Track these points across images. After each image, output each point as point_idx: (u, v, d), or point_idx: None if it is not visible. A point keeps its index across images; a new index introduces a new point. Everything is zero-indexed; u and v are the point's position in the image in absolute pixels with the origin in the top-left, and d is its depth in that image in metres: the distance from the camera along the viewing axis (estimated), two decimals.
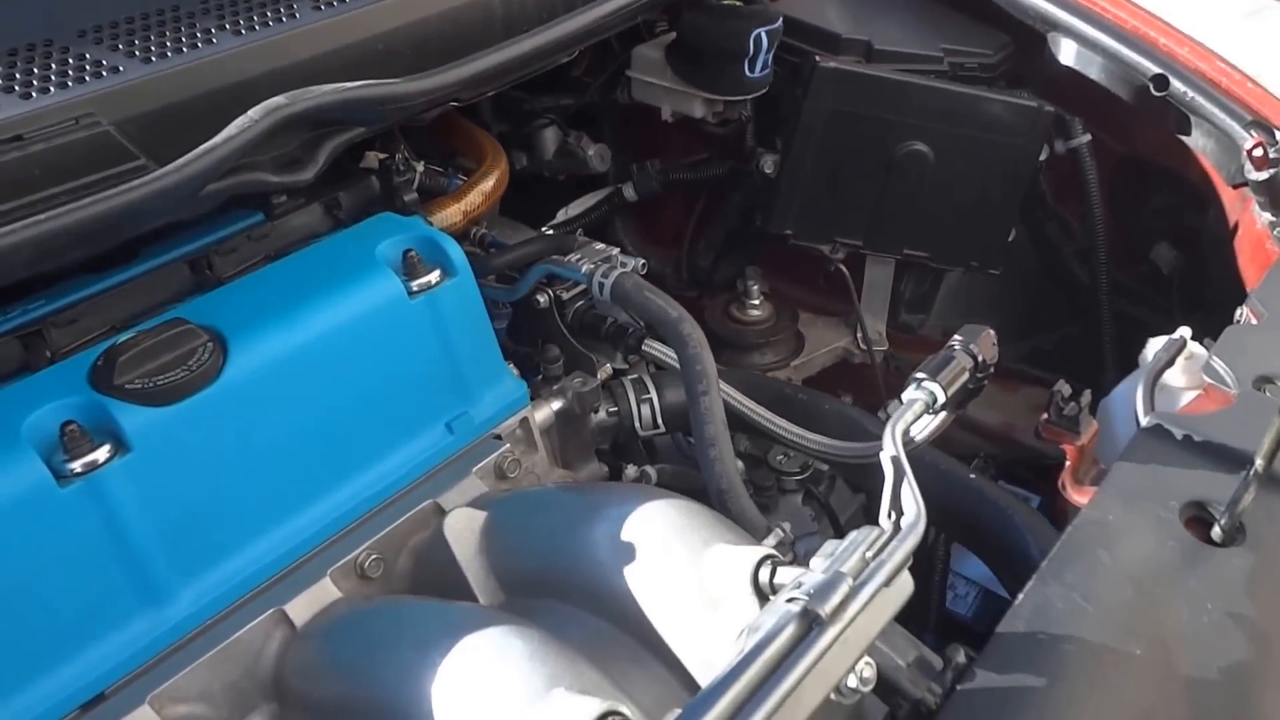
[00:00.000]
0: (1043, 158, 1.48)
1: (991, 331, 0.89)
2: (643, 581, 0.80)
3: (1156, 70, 1.30)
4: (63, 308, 0.91)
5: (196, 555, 0.83)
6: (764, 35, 1.35)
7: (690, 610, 0.79)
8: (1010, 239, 1.53)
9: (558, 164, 1.53)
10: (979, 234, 1.50)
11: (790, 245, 1.51)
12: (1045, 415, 1.02)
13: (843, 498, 1.25)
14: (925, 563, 1.37)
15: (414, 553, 0.92)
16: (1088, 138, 1.50)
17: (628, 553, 0.82)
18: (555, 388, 1.09)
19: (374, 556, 0.89)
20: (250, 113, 0.87)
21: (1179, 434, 0.90)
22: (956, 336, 0.88)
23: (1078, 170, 1.52)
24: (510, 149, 1.34)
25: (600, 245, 1.18)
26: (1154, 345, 1.09)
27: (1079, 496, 0.96)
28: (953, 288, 1.66)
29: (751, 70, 1.37)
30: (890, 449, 0.75)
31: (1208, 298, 1.44)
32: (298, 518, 0.89)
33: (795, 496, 1.23)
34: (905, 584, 0.70)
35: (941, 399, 0.83)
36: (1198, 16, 1.41)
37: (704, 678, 0.77)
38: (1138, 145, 1.52)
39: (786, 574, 0.75)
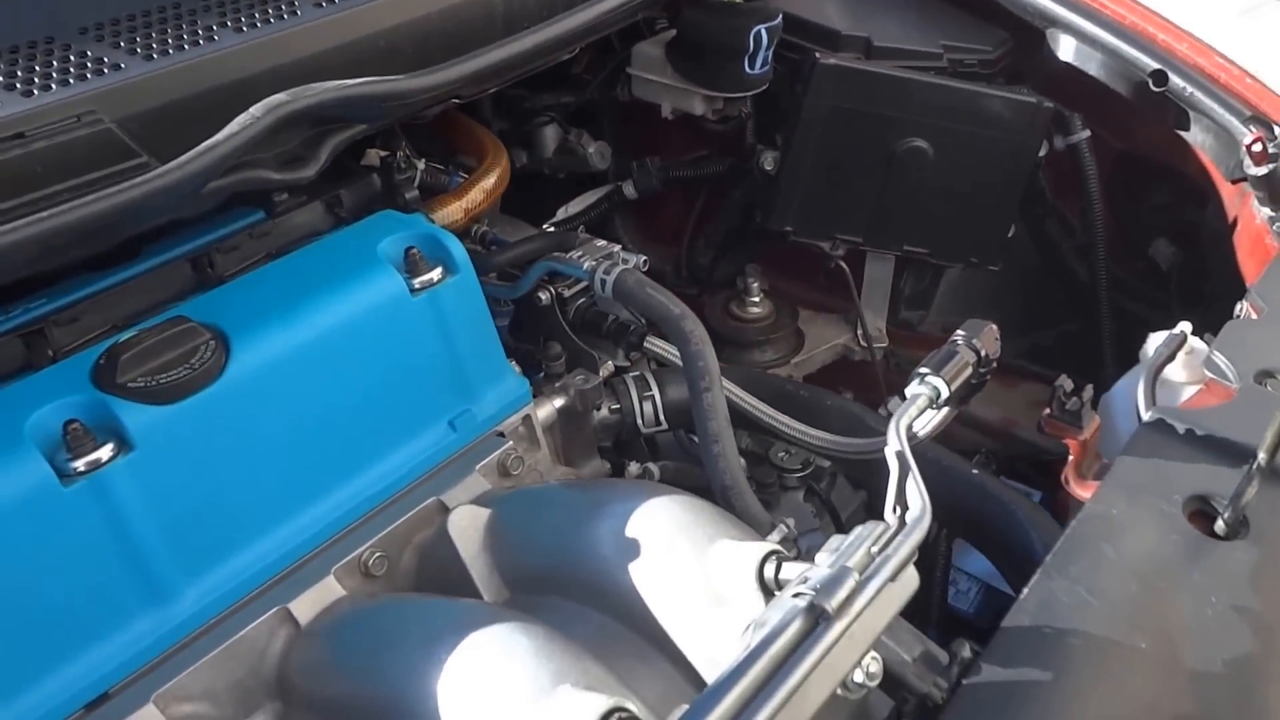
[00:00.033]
0: (1042, 154, 1.48)
1: (994, 326, 0.89)
2: (647, 578, 0.80)
3: (1155, 66, 1.30)
4: (64, 306, 0.91)
5: (200, 554, 0.83)
6: (764, 32, 1.35)
7: (695, 606, 0.79)
8: (1010, 235, 1.53)
9: (558, 162, 1.53)
10: (978, 230, 1.50)
11: (790, 242, 1.51)
12: (1048, 410, 1.02)
13: (844, 495, 1.25)
14: (927, 559, 1.37)
15: (418, 550, 0.92)
16: (1087, 134, 1.51)
17: (632, 549, 0.82)
18: (557, 385, 1.09)
19: (378, 554, 0.89)
20: (252, 110, 0.87)
21: (1181, 428, 0.90)
22: (959, 331, 0.88)
23: (1077, 166, 1.53)
24: (510, 147, 1.33)
25: (602, 242, 1.18)
26: (1154, 340, 1.09)
27: (1082, 491, 0.96)
28: (952, 284, 1.66)
29: (751, 67, 1.37)
30: (895, 444, 0.75)
31: (1206, 293, 1.44)
32: (301, 516, 0.89)
33: (797, 493, 1.23)
34: (911, 579, 0.71)
35: (945, 394, 0.83)
36: (1195, 13, 1.41)
37: (709, 673, 0.77)
38: (1137, 141, 1.53)
39: (791, 569, 0.75)
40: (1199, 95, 1.27)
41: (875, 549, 0.69)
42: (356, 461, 0.93)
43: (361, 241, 0.99)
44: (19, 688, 0.74)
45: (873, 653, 0.68)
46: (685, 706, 0.61)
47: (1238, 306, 1.11)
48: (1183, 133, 1.33)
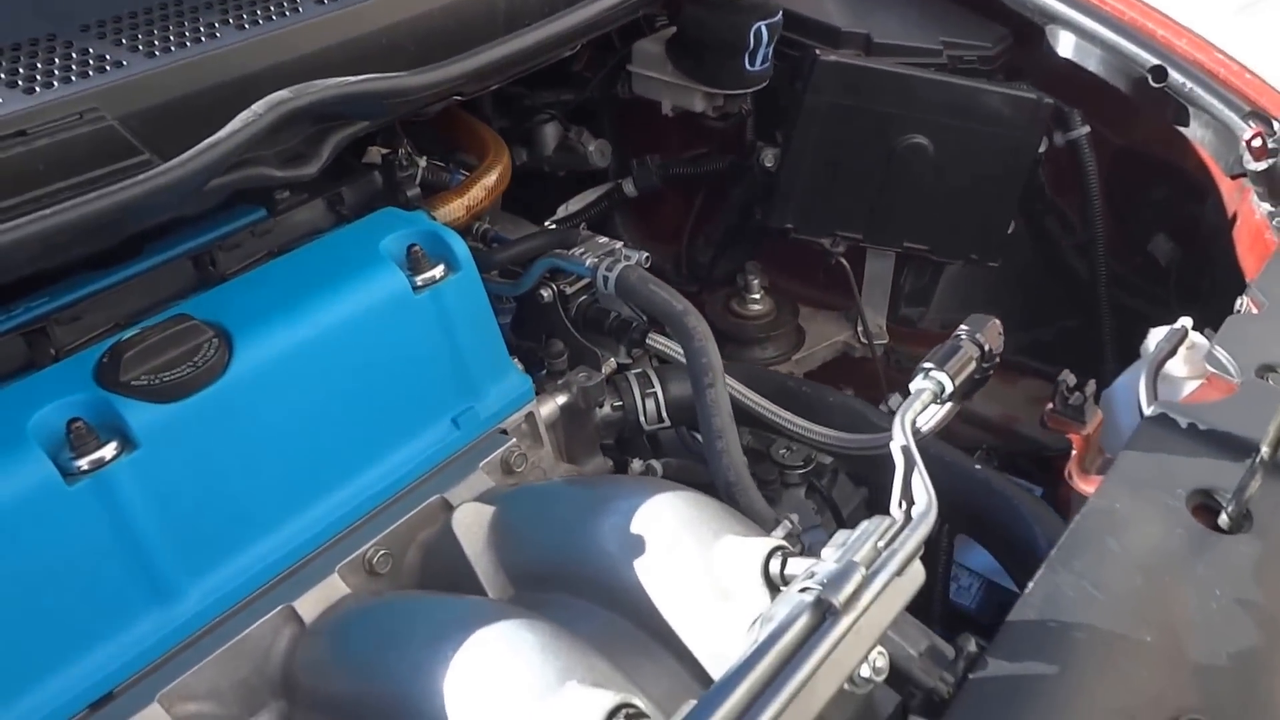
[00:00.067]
0: (1042, 150, 1.48)
1: (997, 321, 0.90)
2: (652, 574, 0.80)
3: (1155, 62, 1.31)
4: (66, 305, 0.91)
5: (204, 552, 0.83)
6: (764, 29, 1.35)
7: (701, 602, 0.79)
8: (1009, 231, 1.53)
9: (558, 159, 1.53)
10: (978, 226, 1.51)
11: (790, 239, 1.51)
12: (1050, 405, 1.02)
13: (845, 491, 1.25)
14: (929, 555, 1.36)
15: (422, 548, 0.92)
16: (1086, 130, 1.51)
17: (637, 545, 0.82)
18: (560, 382, 1.09)
19: (382, 552, 0.89)
20: (254, 107, 0.87)
21: (1184, 422, 0.90)
22: (963, 326, 0.88)
23: (1076, 162, 1.53)
24: (510, 145, 1.33)
25: (604, 239, 1.17)
26: (1155, 335, 1.10)
27: (1086, 485, 0.96)
28: (952, 281, 1.66)
29: (752, 64, 1.37)
30: (900, 438, 0.76)
31: (1204, 289, 1.44)
32: (305, 514, 0.88)
33: (798, 490, 1.23)
34: (917, 573, 0.71)
35: (949, 388, 0.83)
36: (1193, 10, 1.42)
37: (715, 669, 0.77)
38: (1136, 137, 1.53)
39: (797, 565, 0.75)
40: (1198, 91, 1.28)
41: (882, 544, 0.69)
42: (360, 459, 0.92)
43: (364, 239, 0.98)
44: (23, 687, 0.74)
45: (879, 647, 0.68)
46: (694, 701, 0.61)
47: (1238, 301, 1.11)
48: (1182, 128, 1.33)
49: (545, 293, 1.18)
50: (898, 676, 0.73)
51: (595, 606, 0.82)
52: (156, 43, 0.89)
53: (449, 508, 0.92)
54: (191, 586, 0.82)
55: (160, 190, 0.82)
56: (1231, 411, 0.91)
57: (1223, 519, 0.82)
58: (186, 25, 0.91)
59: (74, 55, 0.85)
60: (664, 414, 1.14)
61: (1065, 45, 1.41)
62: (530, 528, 0.89)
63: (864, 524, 0.71)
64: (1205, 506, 0.84)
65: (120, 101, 0.84)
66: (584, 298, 1.20)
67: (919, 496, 0.72)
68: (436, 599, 0.85)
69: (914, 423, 0.79)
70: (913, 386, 0.84)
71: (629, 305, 1.18)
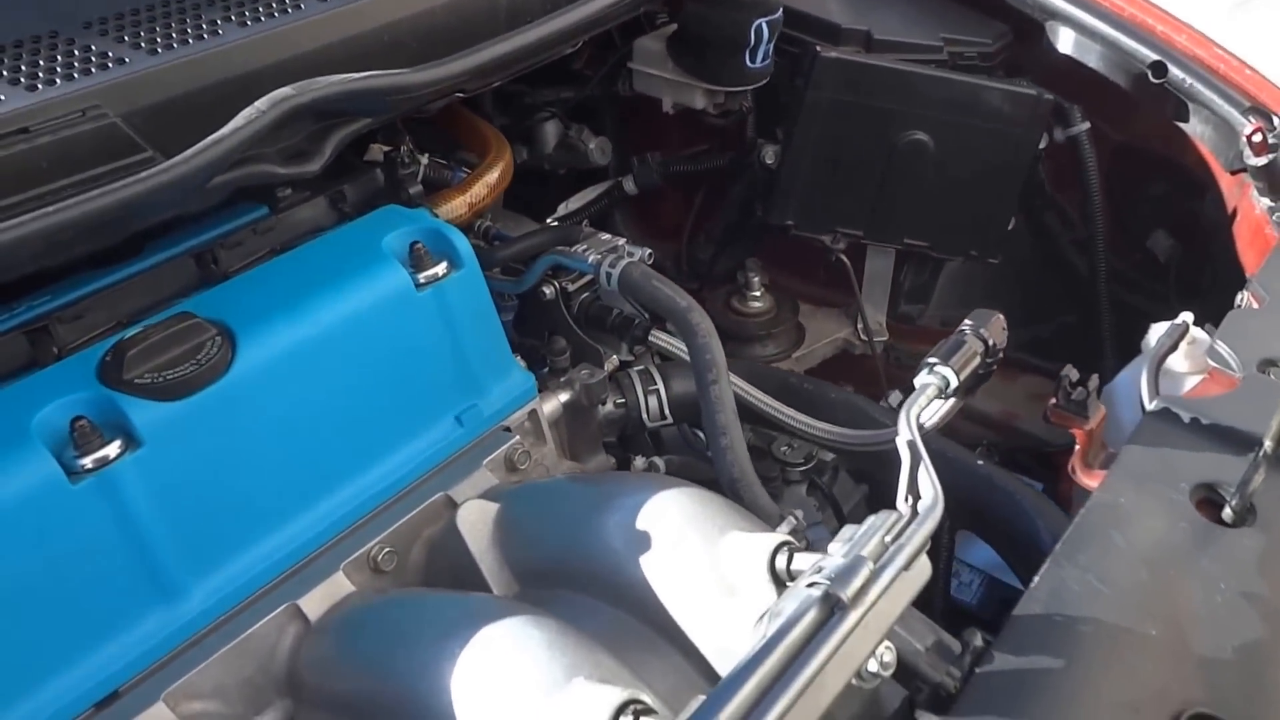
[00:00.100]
0: (1042, 146, 1.49)
1: (1000, 316, 0.90)
2: (658, 570, 0.80)
3: (1155, 57, 1.31)
4: (69, 303, 0.90)
5: (209, 550, 0.83)
6: (765, 26, 1.35)
7: (706, 598, 0.79)
8: (1009, 228, 1.53)
9: (558, 157, 1.52)
10: (979, 223, 1.51)
11: (790, 236, 1.51)
12: (1053, 400, 1.02)
13: (846, 489, 1.26)
14: (930, 551, 1.37)
15: (427, 545, 0.92)
16: (1086, 126, 1.51)
17: (642, 541, 0.82)
18: (563, 380, 1.09)
19: (387, 550, 0.89)
20: (257, 104, 0.87)
21: (1186, 417, 0.91)
22: (967, 321, 0.88)
23: (1076, 158, 1.53)
24: (511, 142, 1.33)
25: (606, 236, 1.17)
26: (1156, 330, 1.10)
27: (1089, 480, 0.96)
28: (952, 277, 1.67)
29: (753, 61, 1.37)
30: (906, 433, 0.76)
31: (1204, 284, 1.45)
32: (309, 512, 0.88)
33: (800, 487, 1.23)
34: (924, 567, 0.71)
35: (954, 383, 0.83)
36: (1191, 7, 1.42)
37: (721, 665, 0.77)
38: (1136, 133, 1.53)
39: (803, 560, 0.75)
40: (1198, 86, 1.28)
41: (889, 538, 0.69)
42: (363, 457, 0.92)
43: (366, 236, 0.98)
44: (28, 687, 0.74)
45: (886, 642, 0.68)
46: (703, 697, 0.61)
47: (1239, 296, 1.11)
48: (1182, 124, 1.33)
49: (548, 290, 1.18)
50: (904, 671, 0.73)
51: (601, 603, 0.82)
52: (159, 40, 0.89)
53: (453, 505, 0.92)
54: (196, 585, 0.82)
55: (163, 188, 0.81)
56: (1234, 406, 0.92)
57: (1226, 513, 0.82)
58: (189, 22, 0.91)
59: (76, 53, 0.85)
60: (666, 411, 1.14)
61: (1065, 41, 1.41)
62: (535, 525, 0.89)
63: (871, 519, 0.71)
64: (1209, 500, 0.84)
65: (123, 99, 0.84)
66: (586, 295, 1.20)
67: (925, 491, 0.72)
68: (442, 596, 0.85)
69: (919, 417, 0.79)
70: (917, 381, 0.84)
71: (631, 302, 1.18)
